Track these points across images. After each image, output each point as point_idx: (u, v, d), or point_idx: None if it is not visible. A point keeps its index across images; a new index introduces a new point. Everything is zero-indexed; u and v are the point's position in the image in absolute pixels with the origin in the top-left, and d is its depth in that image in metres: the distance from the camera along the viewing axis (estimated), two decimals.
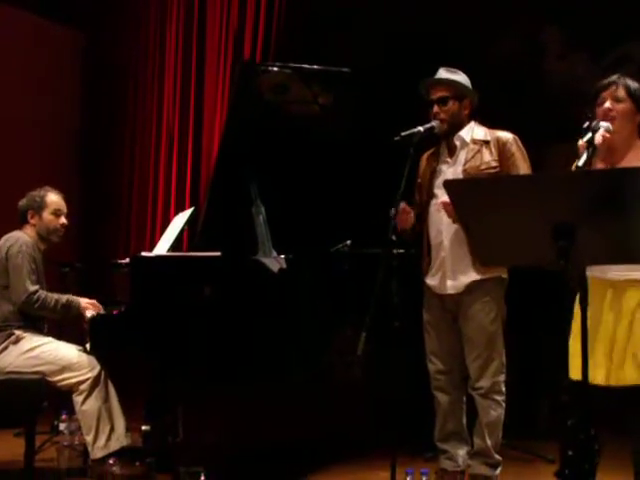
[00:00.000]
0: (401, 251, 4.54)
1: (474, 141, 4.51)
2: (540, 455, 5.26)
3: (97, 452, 4.83)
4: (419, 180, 4.68)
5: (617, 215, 2.64)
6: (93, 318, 4.78)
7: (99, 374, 4.86)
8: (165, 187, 7.89)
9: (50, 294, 4.99)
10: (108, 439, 4.84)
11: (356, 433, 5.73)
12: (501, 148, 4.46)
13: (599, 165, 3.41)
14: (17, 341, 4.92)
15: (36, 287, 4.95)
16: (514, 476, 4.57)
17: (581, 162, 3.08)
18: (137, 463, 4.93)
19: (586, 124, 3.33)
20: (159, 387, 5.18)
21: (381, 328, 4.04)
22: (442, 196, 4.38)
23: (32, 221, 5.17)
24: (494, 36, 7.24)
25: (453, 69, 4.56)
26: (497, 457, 4.50)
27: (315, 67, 5.08)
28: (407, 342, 4.34)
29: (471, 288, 4.43)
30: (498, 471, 4.50)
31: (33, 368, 4.84)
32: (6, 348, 4.91)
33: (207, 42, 7.66)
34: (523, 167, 4.42)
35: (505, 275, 4.49)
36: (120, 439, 4.88)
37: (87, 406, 4.84)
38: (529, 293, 5.34)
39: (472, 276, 4.41)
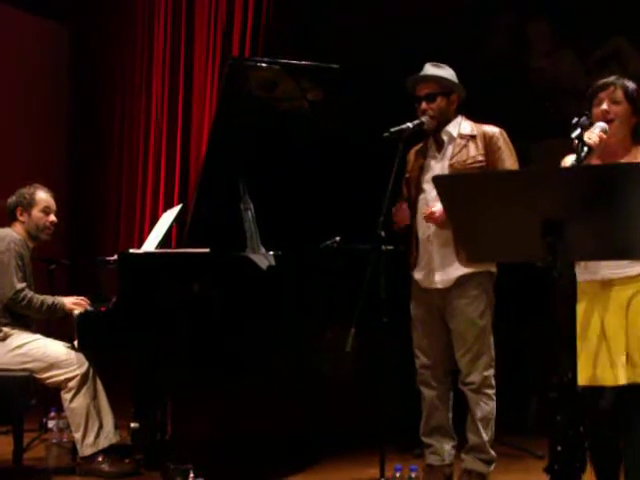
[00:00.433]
0: (390, 247, 4.53)
1: (461, 136, 4.50)
2: (529, 451, 5.27)
3: (86, 449, 4.83)
4: (407, 175, 4.67)
5: (606, 211, 2.64)
6: (81, 315, 4.77)
7: (87, 371, 4.85)
8: (154, 184, 7.88)
9: (37, 295, 4.98)
10: (97, 436, 4.83)
11: (345, 429, 5.73)
12: (487, 142, 4.45)
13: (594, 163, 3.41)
14: (5, 338, 4.90)
15: (23, 285, 4.94)
16: (503, 472, 4.57)
17: (574, 160, 3.09)
18: (126, 460, 4.93)
19: (574, 120, 3.33)
20: (147, 384, 5.17)
21: (370, 324, 4.05)
22: (431, 191, 4.41)
23: (21, 218, 5.15)
24: (481, 32, 7.24)
25: (439, 64, 4.53)
26: (492, 453, 4.49)
27: (304, 63, 5.08)
28: (396, 338, 4.35)
29: (460, 282, 4.43)
30: (492, 467, 4.50)
31: (21, 365, 4.83)
32: None
33: (195, 38, 7.64)
34: (510, 161, 4.42)
35: (494, 269, 4.49)
36: (109, 436, 4.87)
37: (75, 403, 4.83)
38: (518, 288, 5.34)
39: (461, 270, 4.40)
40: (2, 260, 4.93)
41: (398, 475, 4.42)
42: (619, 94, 3.54)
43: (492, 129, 4.50)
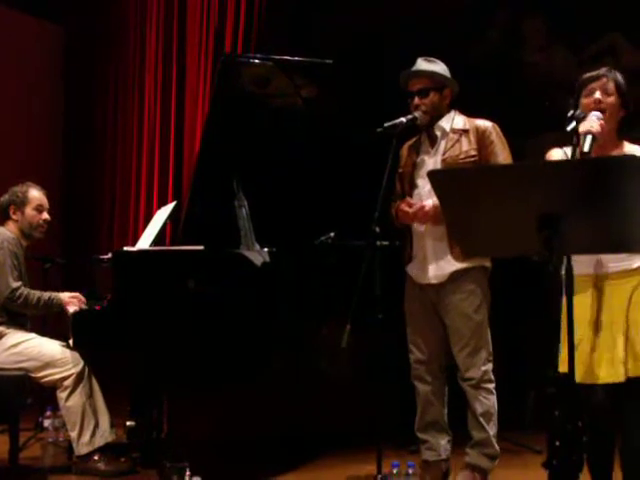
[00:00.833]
0: (385, 243, 4.51)
1: (454, 130, 4.49)
2: (527, 446, 5.28)
3: (82, 448, 4.82)
4: (400, 170, 4.65)
5: (602, 204, 2.63)
6: (75, 314, 4.76)
7: (83, 370, 4.85)
8: (148, 181, 7.88)
9: (32, 291, 4.97)
10: (93, 435, 4.83)
11: (342, 426, 5.72)
12: (480, 136, 4.44)
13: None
14: (0, 337, 4.89)
15: (18, 284, 4.93)
16: (502, 467, 4.55)
17: (586, 148, 3.09)
18: (122, 459, 4.93)
19: (570, 112, 3.32)
20: (143, 382, 5.17)
21: (365, 320, 4.04)
22: (424, 186, 4.41)
23: (14, 217, 5.15)
24: (476, 29, 7.25)
25: (432, 58, 4.52)
26: (497, 448, 4.46)
27: (297, 59, 5.07)
28: (391, 334, 4.34)
29: (454, 277, 4.41)
30: (496, 463, 4.49)
31: (16, 364, 4.83)
32: None
33: (188, 37, 7.64)
34: (503, 155, 4.41)
35: (488, 264, 4.47)
36: (105, 435, 4.87)
37: (71, 402, 4.82)
38: (514, 283, 5.34)
39: (455, 265, 4.39)
40: None
41: (395, 471, 4.42)
42: (611, 86, 3.54)
43: (484, 123, 4.49)
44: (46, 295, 4.97)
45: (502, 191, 2.74)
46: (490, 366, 4.45)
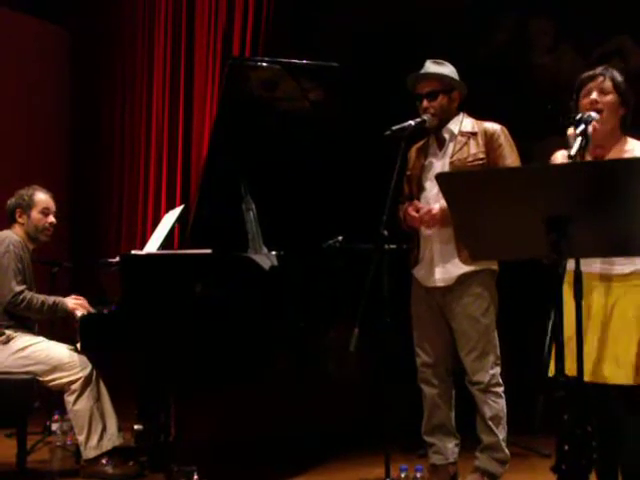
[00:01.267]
0: (393, 246, 4.51)
1: (462, 133, 4.48)
2: (536, 450, 5.26)
3: (89, 452, 4.82)
4: (408, 173, 4.65)
5: (610, 207, 2.62)
6: (83, 317, 4.76)
7: (90, 373, 4.84)
8: (155, 185, 7.87)
9: (37, 295, 4.97)
10: (100, 439, 4.83)
11: (350, 430, 5.71)
12: (488, 139, 4.43)
13: (587, 158, 3.39)
14: (8, 341, 4.90)
15: (22, 287, 4.93)
16: (510, 471, 4.54)
17: (573, 151, 3.06)
18: (130, 462, 4.91)
19: (578, 115, 3.30)
20: (151, 385, 5.16)
21: (373, 324, 4.03)
22: (432, 189, 4.41)
23: (20, 220, 5.15)
24: (484, 30, 7.24)
25: (440, 60, 4.50)
26: (507, 452, 4.45)
27: (304, 62, 5.06)
28: (399, 337, 4.33)
29: (461, 280, 4.40)
30: (506, 468, 4.47)
31: (24, 368, 4.82)
32: None
33: (196, 39, 7.64)
34: (511, 158, 4.39)
35: (495, 267, 4.46)
36: (112, 439, 4.86)
37: (79, 406, 4.82)
38: (523, 286, 5.33)
39: (462, 268, 4.38)
40: (1, 263, 4.93)
41: (403, 475, 4.41)
42: (608, 84, 3.53)
43: (493, 126, 4.48)
44: (51, 300, 4.97)
45: (510, 194, 2.73)
46: (498, 370, 4.43)
